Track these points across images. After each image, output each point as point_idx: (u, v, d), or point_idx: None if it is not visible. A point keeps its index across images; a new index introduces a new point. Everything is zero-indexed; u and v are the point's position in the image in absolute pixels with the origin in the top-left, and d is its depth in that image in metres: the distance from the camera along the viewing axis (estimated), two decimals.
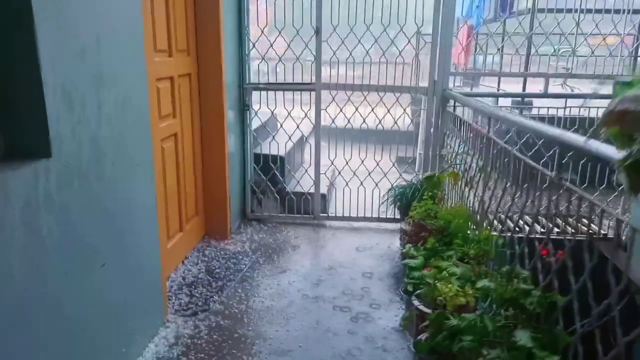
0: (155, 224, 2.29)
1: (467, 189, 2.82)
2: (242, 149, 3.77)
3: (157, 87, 2.56)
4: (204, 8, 3.05)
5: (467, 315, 1.48)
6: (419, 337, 1.91)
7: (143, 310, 2.17)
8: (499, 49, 4.22)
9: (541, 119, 4.29)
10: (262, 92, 3.70)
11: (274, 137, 3.80)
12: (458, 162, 3.04)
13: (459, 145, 3.06)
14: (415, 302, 2.13)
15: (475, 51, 5.24)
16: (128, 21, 1.99)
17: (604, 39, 3.76)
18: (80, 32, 1.64)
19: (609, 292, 1.23)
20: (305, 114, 3.70)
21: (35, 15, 1.41)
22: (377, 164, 3.79)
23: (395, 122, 3.71)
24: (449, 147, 3.31)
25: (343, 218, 3.91)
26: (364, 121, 3.69)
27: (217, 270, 2.96)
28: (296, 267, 3.08)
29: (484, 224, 2.40)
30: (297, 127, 3.77)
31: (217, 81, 3.19)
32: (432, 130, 3.58)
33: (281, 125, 3.82)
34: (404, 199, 3.42)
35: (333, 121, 3.72)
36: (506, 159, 2.12)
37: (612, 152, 1.01)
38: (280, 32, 3.57)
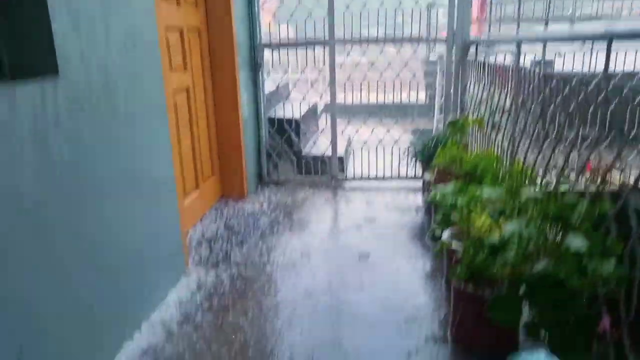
0: (171, 170, 2.21)
1: (493, 133, 2.70)
2: (256, 111, 3.67)
3: (166, 37, 2.46)
4: None
5: (510, 226, 1.37)
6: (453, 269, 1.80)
7: (163, 256, 2.10)
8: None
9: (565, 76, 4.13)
10: (273, 51, 3.58)
11: (287, 97, 3.70)
12: (483, 108, 2.91)
13: (483, 91, 2.93)
14: (445, 236, 2.02)
15: (491, 10, 5.04)
16: None
17: None
18: None
19: None
20: (319, 71, 3.58)
21: None
22: (388, 131, 3.67)
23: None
24: (471, 95, 3.17)
25: (362, 178, 3.81)
26: (379, 91, 3.57)
27: (236, 227, 2.88)
28: (317, 223, 2.98)
29: (515, 158, 2.27)
30: (311, 85, 3.65)
31: (227, 37, 3.09)
32: (452, 80, 3.44)
33: (295, 86, 3.71)
34: (426, 152, 3.29)
35: (346, 96, 3.60)
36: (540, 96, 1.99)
37: None
38: None
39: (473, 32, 5.65)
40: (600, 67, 3.39)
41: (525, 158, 2.21)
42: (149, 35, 1.99)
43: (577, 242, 1.23)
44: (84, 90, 1.53)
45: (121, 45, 1.75)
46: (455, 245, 2.04)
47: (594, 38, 3.25)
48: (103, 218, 1.64)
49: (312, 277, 2.28)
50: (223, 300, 2.08)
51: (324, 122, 4.44)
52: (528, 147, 2.16)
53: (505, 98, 2.54)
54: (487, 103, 2.82)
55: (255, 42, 3.51)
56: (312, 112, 4.49)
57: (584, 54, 3.83)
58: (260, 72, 3.59)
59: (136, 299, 1.85)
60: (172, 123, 2.24)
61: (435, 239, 2.64)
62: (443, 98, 3.65)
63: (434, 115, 5.15)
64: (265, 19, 3.63)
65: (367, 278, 2.27)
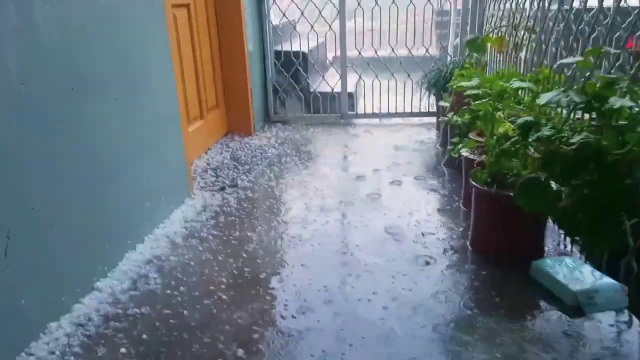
0: (172, 85, 2.07)
1: (514, 53, 2.52)
2: (262, 43, 3.49)
3: None
4: None
5: (547, 95, 1.21)
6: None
7: (166, 174, 1.99)
8: None
9: None
10: None
11: (294, 27, 3.50)
12: (503, 29, 2.71)
13: (503, 8, 2.73)
14: (463, 150, 1.88)
15: None
16: None
17: None
18: None
19: None
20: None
21: None
22: (409, 51, 3.47)
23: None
24: (490, 18, 2.97)
25: (373, 115, 3.65)
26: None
27: (244, 158, 2.76)
28: (326, 155, 2.85)
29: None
30: (320, 13, 3.44)
31: None
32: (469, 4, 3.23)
33: (302, 14, 3.49)
34: (441, 81, 3.11)
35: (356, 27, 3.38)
36: None
37: None
38: None
39: None
40: None
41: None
42: None
43: (621, 101, 1.08)
44: None
45: None
46: (473, 156, 1.91)
47: None
48: (103, 119, 1.52)
49: (321, 199, 2.17)
50: (230, 218, 1.98)
51: (332, 56, 4.24)
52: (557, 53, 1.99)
53: (529, 14, 2.35)
54: (509, 19, 2.62)
55: None
56: (321, 47, 4.29)
57: None
58: (265, 1, 3.39)
59: (137, 212, 1.75)
60: (172, 40, 2.08)
61: (451, 164, 2.51)
62: (460, 19, 3.43)
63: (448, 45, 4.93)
64: None
65: (379, 200, 2.16)
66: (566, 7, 1.81)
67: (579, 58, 1.26)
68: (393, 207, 2.06)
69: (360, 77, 3.60)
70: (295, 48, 3.63)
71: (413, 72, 3.54)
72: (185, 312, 1.36)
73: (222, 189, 2.31)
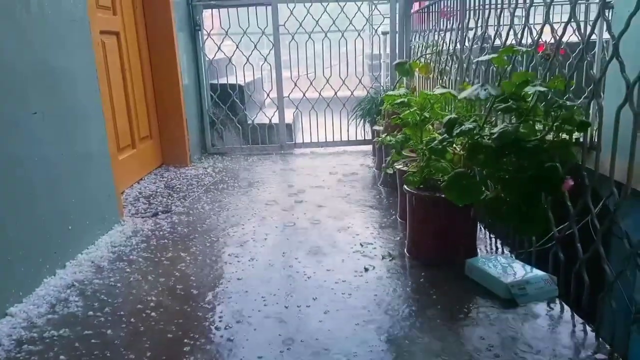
0: (99, 107, 1.99)
1: (439, 78, 2.68)
2: (197, 75, 3.48)
3: None
4: None
5: (465, 92, 1.28)
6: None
7: (92, 200, 1.87)
8: None
9: None
10: (213, 10, 3.42)
11: (230, 60, 3.53)
12: (428, 56, 2.89)
13: (428, 36, 2.92)
14: (398, 166, 1.94)
15: None
16: None
17: None
18: None
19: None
20: (263, 32, 3.45)
21: None
22: (343, 82, 3.59)
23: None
24: (416, 45, 3.16)
25: (311, 144, 3.69)
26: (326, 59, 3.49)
27: (179, 186, 2.68)
28: (265, 181, 2.82)
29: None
30: (255, 46, 3.51)
31: None
32: (396, 36, 3.42)
33: (238, 48, 3.55)
34: (374, 108, 3.23)
35: (291, 56, 3.49)
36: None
37: None
38: None
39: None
40: None
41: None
42: None
43: (536, 87, 1.16)
44: None
45: None
46: (407, 167, 1.97)
47: None
48: (24, 136, 1.42)
49: (260, 219, 2.13)
50: (162, 241, 1.88)
51: (269, 89, 4.29)
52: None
53: (450, 39, 2.52)
54: (432, 47, 2.80)
55: (193, 0, 3.34)
56: (257, 81, 4.34)
57: None
58: (199, 33, 3.41)
59: (59, 238, 1.62)
60: (100, 65, 2.02)
61: (387, 183, 2.56)
62: (389, 59, 3.62)
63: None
64: None
65: (318, 218, 2.15)
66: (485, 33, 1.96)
67: (494, 55, 1.35)
68: (331, 224, 2.05)
69: (297, 107, 3.66)
70: (232, 81, 3.65)
71: (348, 103, 3.65)
72: (109, 331, 1.24)
73: (155, 214, 2.20)
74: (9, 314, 1.30)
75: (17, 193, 1.41)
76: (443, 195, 1.38)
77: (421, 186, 1.64)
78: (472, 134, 1.25)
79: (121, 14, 2.60)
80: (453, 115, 1.34)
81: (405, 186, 1.67)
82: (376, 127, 2.98)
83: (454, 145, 1.45)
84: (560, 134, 1.19)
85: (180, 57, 3.11)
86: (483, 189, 1.27)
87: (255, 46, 3.51)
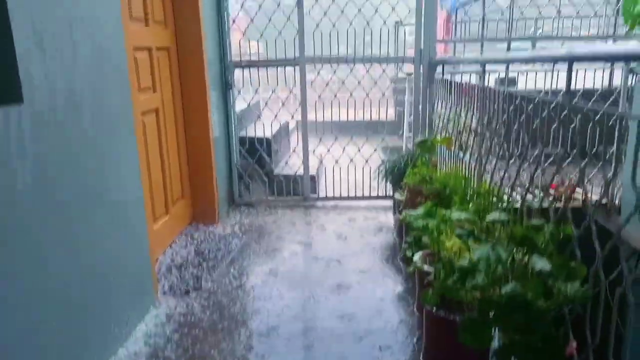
0: (140, 192, 2.15)
1: (461, 153, 2.75)
2: (227, 131, 3.64)
3: (134, 57, 2.42)
4: None
5: (479, 251, 1.38)
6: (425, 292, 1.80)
7: (131, 287, 2.03)
8: (481, 19, 4.15)
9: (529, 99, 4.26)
10: (244, 70, 3.57)
11: (259, 116, 3.68)
12: (450, 126, 2.96)
13: (450, 110, 2.99)
14: (416, 259, 2.03)
15: (456, 27, 5.18)
16: None
17: None
18: None
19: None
20: (290, 91, 3.59)
21: None
22: (367, 139, 3.70)
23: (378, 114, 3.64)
24: (439, 114, 3.23)
25: (334, 198, 3.81)
26: (348, 109, 3.61)
27: (207, 252, 2.83)
28: (288, 245, 2.95)
29: (482, 177, 2.32)
30: (282, 104, 3.65)
31: (197, 56, 3.07)
32: (420, 98, 3.51)
33: (266, 104, 3.70)
34: (396, 171, 3.32)
35: (317, 115, 3.62)
36: (504, 116, 2.04)
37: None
38: (260, 7, 3.47)
39: (439, 52, 5.81)
40: (561, 84, 3.49)
41: (492, 177, 2.26)
42: (117, 56, 1.95)
43: (540, 263, 1.26)
44: (49, 113, 1.48)
45: (88, 66, 1.71)
46: (427, 268, 2.06)
47: (555, 60, 3.38)
48: (67, 246, 1.58)
49: (283, 303, 2.25)
50: (194, 331, 2.02)
51: (295, 140, 4.43)
52: (494, 167, 2.21)
53: (472, 118, 2.60)
54: (454, 122, 2.87)
55: (225, 61, 3.50)
56: (284, 130, 4.48)
57: (545, 73, 3.97)
58: (231, 91, 3.57)
59: (102, 334, 1.78)
60: (140, 144, 2.19)
61: (407, 260, 2.66)
62: (412, 116, 3.71)
63: (402, 133, 5.24)
64: (235, 37, 3.63)
65: (340, 303, 2.26)
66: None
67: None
68: (350, 308, 2.16)
69: (321, 162, 3.78)
70: (260, 134, 3.80)
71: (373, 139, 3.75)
72: None
73: (187, 292, 2.35)
74: None
75: (59, 297, 1.56)
76: (457, 318, 1.48)
77: (438, 302, 1.73)
78: (484, 289, 1.34)
79: (160, 90, 2.77)
80: (466, 264, 1.43)
81: (422, 301, 1.76)
82: (397, 196, 3.08)
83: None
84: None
85: (212, 115, 3.27)
86: (492, 339, 1.37)
87: (282, 104, 3.65)
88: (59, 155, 1.54)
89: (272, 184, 3.81)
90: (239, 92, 3.63)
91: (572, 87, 1.42)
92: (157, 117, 2.72)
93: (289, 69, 3.56)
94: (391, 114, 5.68)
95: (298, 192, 3.83)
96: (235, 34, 3.69)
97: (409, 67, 3.75)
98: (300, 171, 3.78)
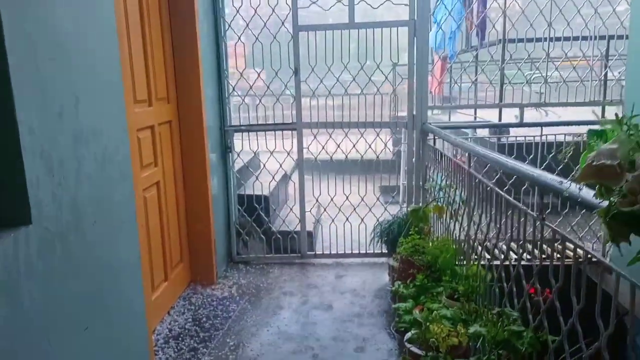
0: (139, 279, 2.23)
1: (452, 222, 2.84)
2: (226, 191, 3.75)
3: (137, 137, 2.54)
4: (183, 54, 3.08)
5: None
6: None
7: None
8: (473, 82, 4.31)
9: (519, 145, 4.38)
10: (243, 133, 3.71)
11: (257, 177, 3.80)
12: (442, 195, 3.06)
13: (441, 178, 3.10)
14: (408, 345, 2.10)
15: (450, 83, 5.35)
16: (107, 77, 1.99)
17: (574, 66, 3.88)
18: (58, 93, 1.62)
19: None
20: (288, 153, 3.71)
21: (13, 78, 1.40)
22: (362, 199, 3.80)
23: (377, 156, 3.75)
24: (431, 179, 3.34)
25: (330, 255, 3.88)
26: (346, 157, 3.73)
27: (204, 319, 2.89)
28: (284, 310, 3.02)
29: (471, 258, 2.40)
30: (280, 165, 3.78)
31: (198, 126, 3.20)
32: (414, 161, 3.62)
33: (264, 166, 3.83)
34: (391, 234, 3.41)
35: (316, 159, 3.74)
36: (488, 188, 2.14)
37: (592, 198, 1.03)
38: (259, 74, 3.62)
39: (434, 92, 5.97)
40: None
41: (480, 252, 2.34)
42: (120, 155, 2.06)
43: None
44: (55, 231, 1.57)
45: (91, 173, 1.82)
46: (417, 350, 2.12)
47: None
48: (69, 347, 1.65)
49: None
50: None
51: (293, 190, 4.51)
52: (484, 241, 2.30)
53: (461, 191, 2.70)
54: (444, 192, 2.97)
55: (225, 126, 3.63)
56: (283, 182, 4.59)
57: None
58: (230, 154, 3.69)
59: None
60: (141, 220, 2.28)
61: (400, 331, 2.71)
62: (407, 167, 3.82)
63: (399, 179, 5.36)
64: (235, 63, 3.68)
65: None
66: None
67: None
68: None
69: (317, 220, 3.87)
70: (258, 191, 3.90)
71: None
72: None
73: None
74: None
75: None
76: None
77: None
78: None
79: (162, 162, 2.88)
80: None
81: None
82: (391, 262, 3.16)
83: None
84: None
85: (212, 177, 3.37)
86: None
87: (280, 165, 3.77)
88: (64, 267, 1.62)
89: (269, 241, 3.89)
90: (238, 155, 3.75)
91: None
92: (158, 190, 2.83)
93: (287, 132, 3.69)
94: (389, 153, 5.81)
95: (295, 249, 3.91)
96: (236, 59, 3.69)
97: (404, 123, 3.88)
98: (298, 227, 3.86)
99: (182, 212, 3.25)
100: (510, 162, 1.68)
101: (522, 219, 1.66)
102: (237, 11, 3.48)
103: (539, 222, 1.51)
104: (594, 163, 0.86)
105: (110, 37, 2.01)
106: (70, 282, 1.66)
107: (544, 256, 1.86)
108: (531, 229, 1.66)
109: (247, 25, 3.51)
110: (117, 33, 2.07)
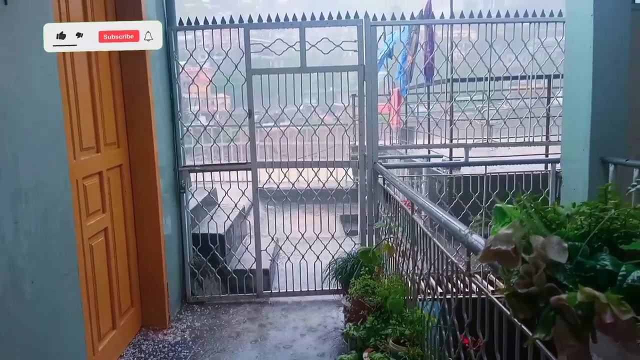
0: (81, 332, 2.18)
1: (401, 260, 2.92)
2: (180, 231, 3.71)
3: (84, 185, 2.51)
4: (133, 98, 3.08)
5: None
6: None
7: None
8: (425, 116, 4.49)
9: (474, 178, 4.55)
10: (197, 174, 3.71)
11: (212, 217, 3.78)
12: (391, 235, 3.15)
13: (390, 218, 3.19)
14: None
15: (406, 113, 5.52)
16: (50, 127, 1.98)
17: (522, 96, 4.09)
18: None
19: None
20: (243, 193, 3.73)
21: None
22: (317, 237, 3.84)
23: (339, 184, 3.80)
24: (382, 219, 3.43)
25: (286, 294, 3.88)
26: (308, 185, 3.78)
27: None
28: (239, 353, 2.99)
29: (417, 300, 2.48)
30: (235, 205, 3.78)
31: (150, 168, 3.17)
32: (366, 199, 3.71)
33: (219, 205, 3.83)
34: (344, 273, 3.46)
35: (271, 197, 3.78)
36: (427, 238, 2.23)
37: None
38: (213, 116, 3.66)
39: (392, 124, 6.16)
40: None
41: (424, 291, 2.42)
42: (63, 205, 2.04)
43: None
44: None
45: (30, 230, 1.79)
46: None
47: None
48: None
49: None
50: None
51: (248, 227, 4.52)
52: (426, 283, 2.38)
53: (407, 232, 2.79)
54: (394, 232, 3.06)
55: (179, 166, 3.62)
56: (239, 219, 4.57)
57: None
58: (184, 195, 3.67)
59: None
60: (86, 270, 2.24)
61: None
62: (361, 205, 3.90)
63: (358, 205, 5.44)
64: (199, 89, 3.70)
65: None
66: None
67: None
68: None
69: (274, 259, 3.88)
70: (213, 230, 3.88)
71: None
72: None
73: None
74: None
75: None
76: None
77: None
78: None
79: (110, 208, 2.84)
80: None
81: None
82: (344, 302, 3.20)
83: None
84: None
85: (165, 218, 3.33)
86: None
87: (235, 205, 3.78)
88: (5, 330, 1.58)
89: (225, 280, 3.86)
90: (192, 195, 3.74)
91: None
92: (106, 236, 2.78)
93: (242, 172, 3.73)
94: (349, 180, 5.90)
95: (251, 287, 3.89)
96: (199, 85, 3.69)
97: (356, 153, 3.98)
98: (254, 266, 3.85)
99: (132, 256, 3.20)
100: (441, 214, 1.77)
101: (451, 273, 1.75)
102: (191, 54, 3.53)
103: (467, 277, 1.59)
104: (491, 248, 0.94)
105: (53, 87, 2.01)
106: (6, 343, 1.61)
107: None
108: (461, 284, 1.74)
109: (201, 68, 3.56)
110: (60, 82, 2.07)
